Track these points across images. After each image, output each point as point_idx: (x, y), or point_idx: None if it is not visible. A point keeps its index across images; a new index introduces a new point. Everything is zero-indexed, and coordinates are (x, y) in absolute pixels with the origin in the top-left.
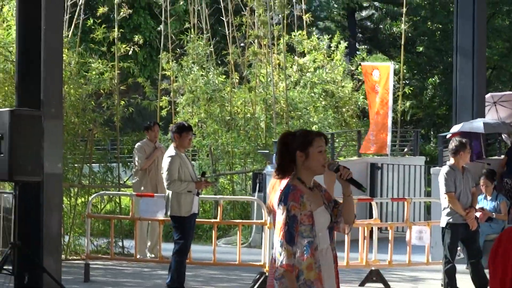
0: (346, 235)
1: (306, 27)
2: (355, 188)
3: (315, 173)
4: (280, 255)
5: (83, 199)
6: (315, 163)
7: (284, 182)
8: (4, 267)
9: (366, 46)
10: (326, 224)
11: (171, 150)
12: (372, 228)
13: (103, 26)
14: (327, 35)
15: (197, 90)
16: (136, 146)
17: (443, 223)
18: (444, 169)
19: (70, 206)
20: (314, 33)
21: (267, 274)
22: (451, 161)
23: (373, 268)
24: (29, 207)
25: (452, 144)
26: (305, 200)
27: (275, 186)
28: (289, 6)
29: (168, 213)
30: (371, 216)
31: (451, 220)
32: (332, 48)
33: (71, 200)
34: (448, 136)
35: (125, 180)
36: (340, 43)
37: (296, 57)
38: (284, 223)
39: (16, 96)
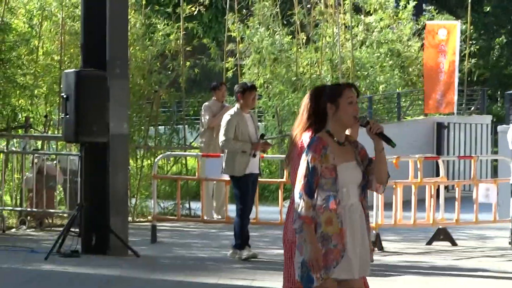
0: (394, 196)
1: None
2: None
3: (346, 125)
4: (299, 206)
5: (149, 161)
6: (345, 114)
7: (306, 135)
8: (71, 229)
9: (432, 6)
10: (356, 180)
11: (233, 109)
12: (438, 186)
13: None
14: None
15: (263, 51)
16: (203, 106)
17: None
18: None
19: (136, 168)
20: None
21: None
22: None
23: (440, 227)
24: (95, 168)
25: None
26: (328, 153)
27: (295, 140)
28: None
29: (223, 171)
30: (438, 175)
31: None
32: (400, 8)
33: (137, 162)
34: None
35: (191, 142)
36: (408, 3)
37: (362, 17)
38: (303, 175)
39: (82, 57)
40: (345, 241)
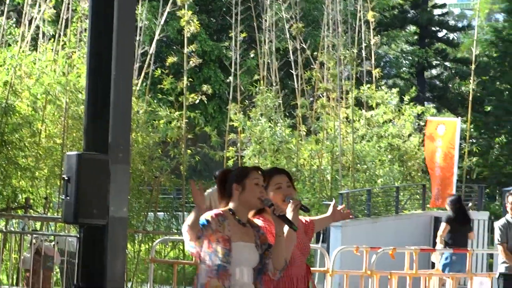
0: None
1: (375, 81)
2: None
3: (251, 207)
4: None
5: (147, 246)
6: (251, 194)
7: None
8: None
9: (434, 105)
10: (251, 262)
11: None
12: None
13: (171, 76)
14: (396, 90)
15: (264, 141)
16: (205, 193)
17: (499, 270)
18: (501, 221)
19: (134, 252)
20: (383, 87)
21: None
22: (509, 215)
23: None
24: (93, 250)
25: (510, 198)
26: (225, 224)
27: None
28: (359, 61)
29: None
30: (433, 267)
31: (503, 270)
32: (404, 103)
33: (135, 247)
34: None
35: None
36: (412, 101)
37: (364, 111)
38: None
39: (84, 140)
40: None
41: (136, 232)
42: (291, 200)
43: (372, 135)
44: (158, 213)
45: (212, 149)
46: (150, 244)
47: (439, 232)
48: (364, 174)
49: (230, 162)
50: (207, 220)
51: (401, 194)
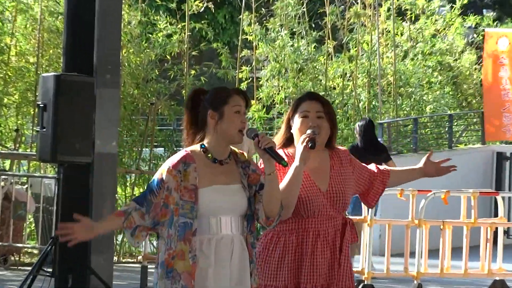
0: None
1: None
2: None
3: (230, 141)
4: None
5: (141, 189)
6: (229, 125)
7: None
8: (43, 268)
9: (494, 13)
10: (234, 208)
11: None
12: (496, 229)
13: None
14: None
15: (285, 60)
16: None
17: None
18: None
19: (125, 198)
20: None
21: (366, 282)
22: None
23: (497, 278)
24: (76, 194)
25: None
26: (190, 170)
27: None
28: None
29: None
30: (496, 215)
31: None
32: (453, 14)
33: (126, 191)
34: None
35: None
36: (465, 9)
37: (406, 22)
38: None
39: (64, 59)
40: (194, 282)
41: (128, 172)
42: (311, 132)
43: (417, 52)
44: (155, 148)
45: (221, 68)
46: (144, 186)
47: None
48: (409, 99)
49: (244, 85)
50: (159, 182)
51: (455, 124)
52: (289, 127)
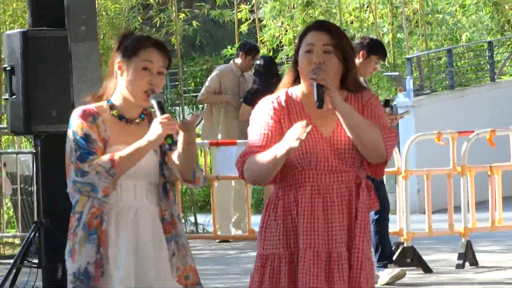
0: None
1: None
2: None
3: (135, 100)
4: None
5: None
6: (133, 83)
7: None
8: (28, 259)
9: None
10: (145, 174)
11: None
12: None
13: None
14: None
15: None
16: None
17: None
18: None
19: None
20: None
21: (405, 244)
22: None
23: None
24: (57, 169)
25: None
26: (99, 123)
27: None
28: None
29: None
30: None
31: None
32: None
33: None
34: None
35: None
36: None
37: None
38: (71, 150)
39: (29, 12)
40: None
41: None
42: (314, 78)
43: None
44: None
45: (215, 9)
46: None
47: None
48: (440, 28)
49: (244, 27)
50: (86, 134)
51: (497, 52)
52: (296, 62)
